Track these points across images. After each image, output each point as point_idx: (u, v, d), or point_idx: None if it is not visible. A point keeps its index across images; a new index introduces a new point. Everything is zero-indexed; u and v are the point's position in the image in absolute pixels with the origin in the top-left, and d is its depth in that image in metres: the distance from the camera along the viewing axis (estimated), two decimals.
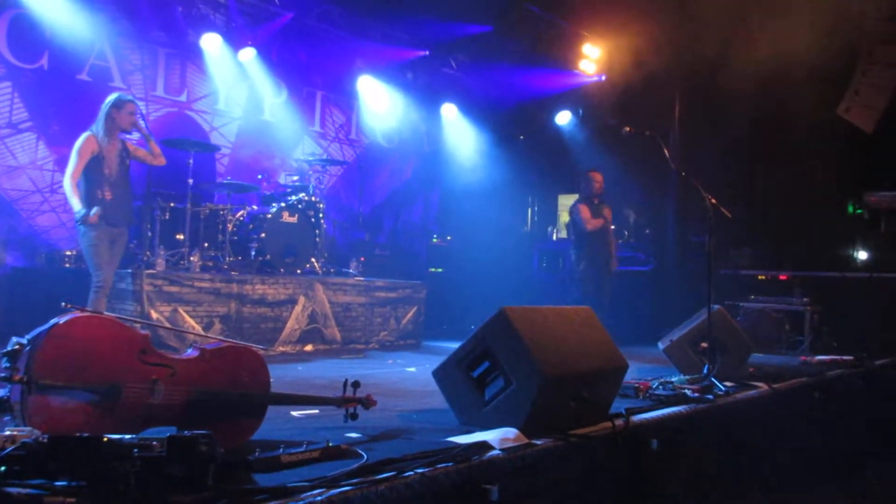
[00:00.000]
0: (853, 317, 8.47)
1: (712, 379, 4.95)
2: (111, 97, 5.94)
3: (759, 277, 9.17)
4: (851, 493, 5.78)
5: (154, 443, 2.27)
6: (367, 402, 3.45)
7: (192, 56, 9.14)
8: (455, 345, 3.84)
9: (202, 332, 6.45)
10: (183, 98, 9.25)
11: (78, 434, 2.24)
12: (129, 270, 6.53)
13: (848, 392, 6.47)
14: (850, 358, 7.11)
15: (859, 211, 9.97)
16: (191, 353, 3.09)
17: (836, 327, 8.46)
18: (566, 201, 13.59)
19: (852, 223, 10.10)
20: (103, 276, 5.72)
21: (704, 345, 5.49)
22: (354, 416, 3.39)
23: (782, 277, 8.98)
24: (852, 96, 9.84)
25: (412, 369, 6.25)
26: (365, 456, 2.83)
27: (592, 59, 10.79)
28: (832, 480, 5.99)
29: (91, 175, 5.75)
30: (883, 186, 9.44)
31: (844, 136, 9.86)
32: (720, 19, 9.19)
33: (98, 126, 5.82)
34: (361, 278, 8.31)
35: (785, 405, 5.37)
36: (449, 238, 11.90)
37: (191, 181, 7.37)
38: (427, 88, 11.48)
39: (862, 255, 9.87)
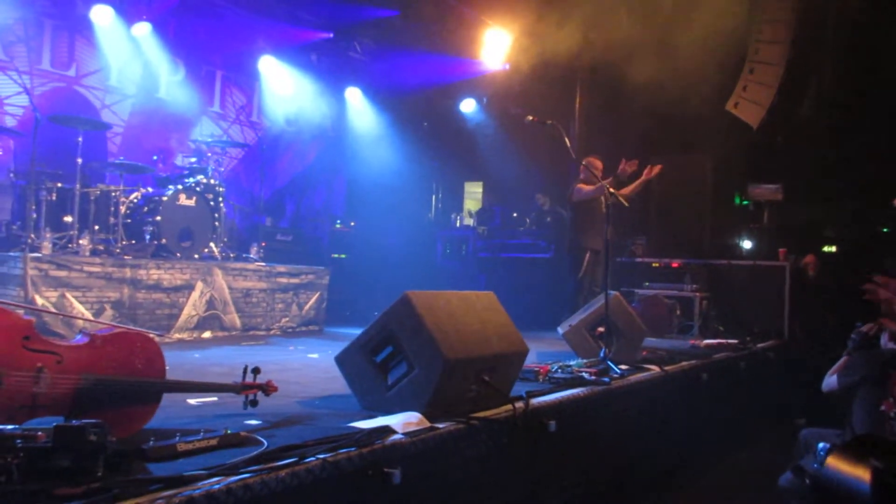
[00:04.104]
0: (738, 303, 8.93)
1: (608, 362, 5.11)
2: None
3: (654, 265, 9.53)
4: (731, 472, 6.14)
5: (39, 433, 2.16)
6: (268, 389, 3.38)
7: (82, 29, 8.68)
8: (358, 331, 3.82)
9: (92, 318, 6.16)
10: (71, 73, 8.78)
11: None
12: (12, 253, 6.17)
13: (732, 373, 6.84)
14: (735, 341, 7.51)
15: (745, 202, 10.50)
16: (80, 339, 2.95)
17: (722, 312, 8.90)
18: (471, 188, 13.74)
19: (739, 214, 10.64)
20: None
21: (601, 329, 5.67)
22: (254, 403, 3.32)
23: (674, 265, 9.36)
24: (740, 92, 10.34)
25: (314, 355, 6.19)
26: (265, 443, 2.78)
27: (497, 47, 10.90)
28: (719, 459, 6.34)
29: None
30: (766, 179, 9.97)
31: (732, 131, 10.35)
32: (619, 13, 9.48)
33: None
34: (262, 263, 8.14)
35: (675, 386, 5.61)
36: (352, 224, 11.82)
37: (80, 160, 7.02)
38: (331, 72, 11.33)
39: (747, 244, 10.41)
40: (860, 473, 2.70)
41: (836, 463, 2.82)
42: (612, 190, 5.64)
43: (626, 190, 7.44)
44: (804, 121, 10.51)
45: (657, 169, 7.56)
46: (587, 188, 7.81)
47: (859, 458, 2.76)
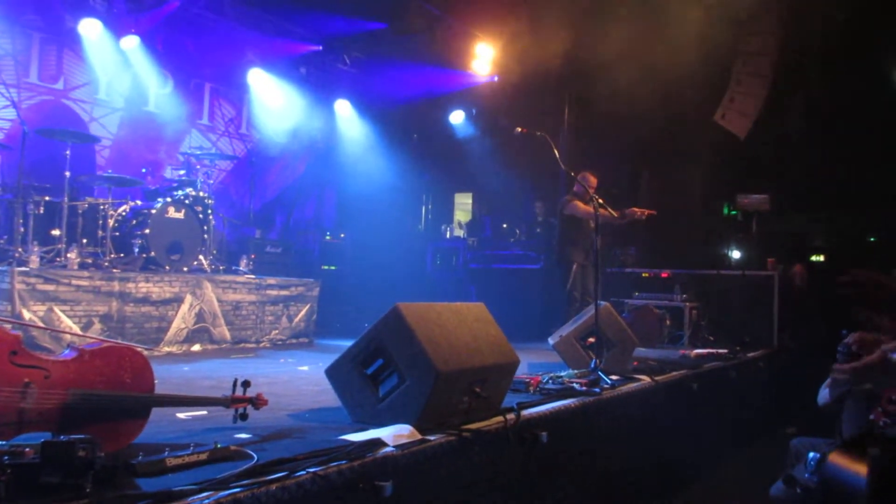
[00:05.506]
0: (727, 312, 8.97)
1: (599, 373, 5.11)
2: None
3: (643, 275, 9.57)
4: (722, 481, 6.14)
5: (27, 449, 2.14)
6: (258, 402, 3.37)
7: (70, 42, 8.66)
8: (348, 343, 3.80)
9: (80, 333, 6.12)
10: (59, 86, 8.75)
11: None
12: (0, 267, 6.13)
13: (722, 383, 6.85)
14: (725, 351, 7.54)
15: (734, 212, 10.56)
16: (67, 354, 2.93)
17: (712, 322, 8.94)
18: (461, 200, 13.75)
19: (727, 224, 10.70)
20: None
21: (592, 340, 5.67)
22: (244, 417, 3.30)
23: (664, 275, 9.39)
24: (728, 104, 10.42)
25: (305, 368, 6.16)
26: (255, 457, 2.76)
27: (485, 59, 10.95)
28: (711, 468, 6.34)
29: None
30: (753, 189, 10.03)
31: (721, 142, 10.42)
32: (607, 26, 9.54)
33: None
34: (252, 276, 8.11)
35: (666, 396, 5.62)
36: (342, 236, 11.81)
37: (68, 174, 6.99)
38: (320, 84, 11.34)
39: (735, 254, 10.47)
40: (858, 469, 2.74)
41: (837, 459, 2.84)
42: (601, 201, 5.65)
43: (616, 222, 7.49)
44: (791, 131, 10.60)
45: (648, 212, 7.65)
46: (580, 207, 7.87)
47: (860, 454, 2.79)
